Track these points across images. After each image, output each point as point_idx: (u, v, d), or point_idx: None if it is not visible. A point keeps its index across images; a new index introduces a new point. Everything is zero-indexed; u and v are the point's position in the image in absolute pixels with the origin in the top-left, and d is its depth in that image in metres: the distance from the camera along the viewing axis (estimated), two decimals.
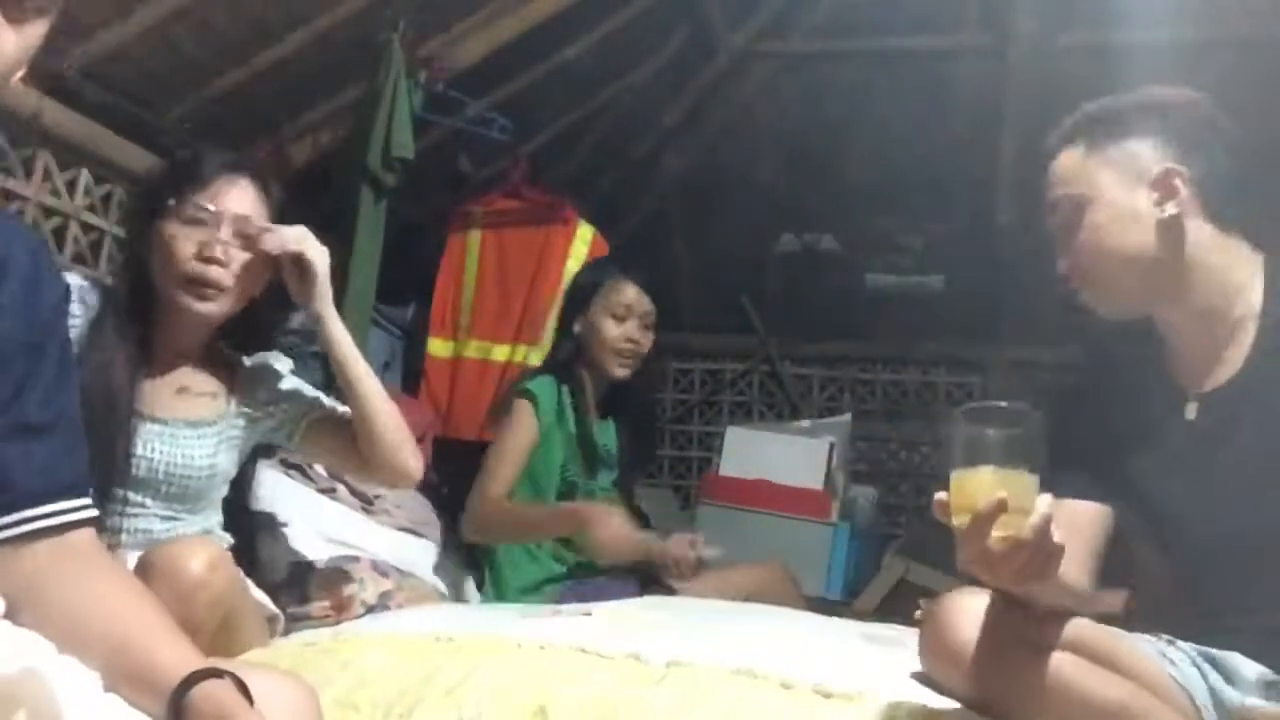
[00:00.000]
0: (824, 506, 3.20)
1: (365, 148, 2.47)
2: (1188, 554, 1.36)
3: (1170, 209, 1.33)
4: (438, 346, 3.11)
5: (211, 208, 1.55)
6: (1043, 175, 1.42)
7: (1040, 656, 1.20)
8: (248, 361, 1.69)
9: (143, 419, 1.54)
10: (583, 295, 2.39)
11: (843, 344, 3.90)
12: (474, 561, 2.36)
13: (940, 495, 1.10)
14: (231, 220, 1.56)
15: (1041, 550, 1.08)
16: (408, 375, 3.17)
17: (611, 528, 2.12)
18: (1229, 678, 1.29)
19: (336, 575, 1.98)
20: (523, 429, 2.25)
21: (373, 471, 1.66)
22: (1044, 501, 1.07)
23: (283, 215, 1.64)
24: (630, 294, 2.36)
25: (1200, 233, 1.34)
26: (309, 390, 1.71)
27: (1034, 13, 3.28)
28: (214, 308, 1.56)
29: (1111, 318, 1.41)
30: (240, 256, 1.56)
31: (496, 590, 2.24)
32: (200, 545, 1.36)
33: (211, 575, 1.30)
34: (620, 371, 2.35)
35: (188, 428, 1.58)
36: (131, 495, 1.52)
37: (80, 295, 1.51)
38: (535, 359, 2.82)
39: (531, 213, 3.14)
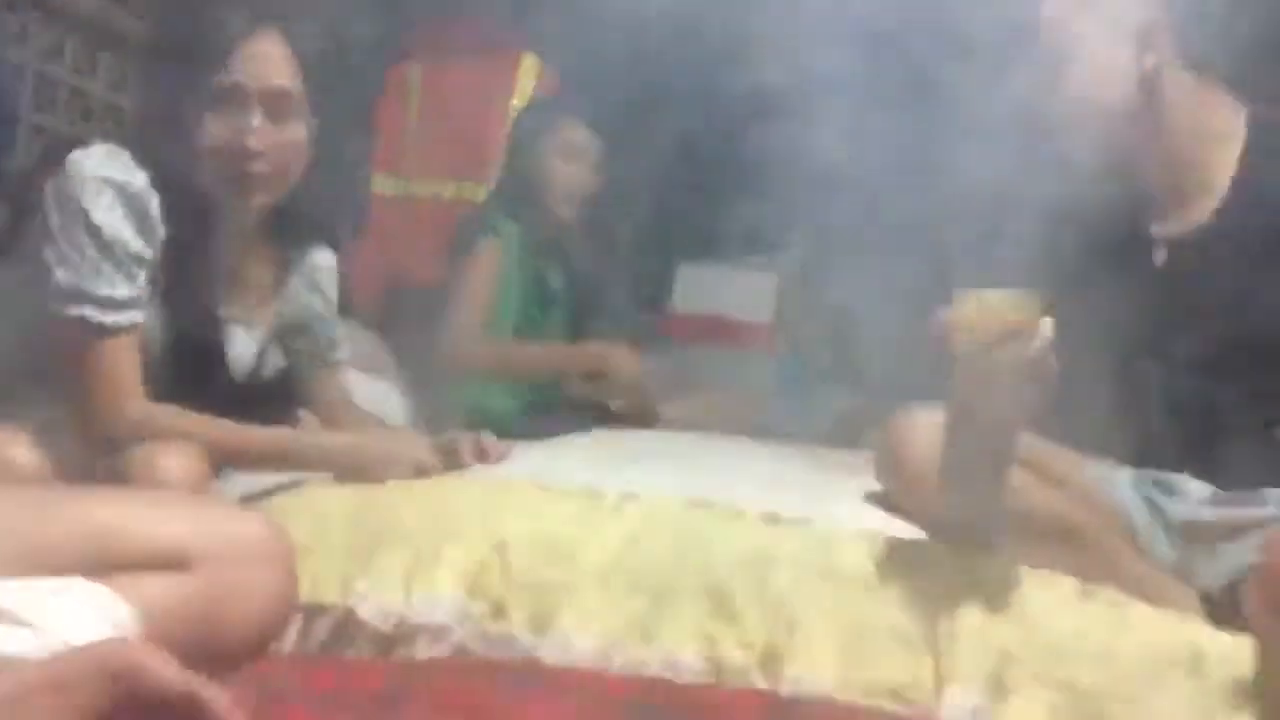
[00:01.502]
0: (773, 339, 3.24)
1: None
2: (1140, 389, 1.39)
3: (1149, 61, 1.31)
4: (383, 183, 3.03)
5: (239, 80, 1.34)
6: None
7: (993, 469, 1.21)
8: (295, 256, 1.57)
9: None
10: (530, 135, 2.36)
11: None
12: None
13: (943, 316, 1.08)
14: (262, 97, 1.36)
15: (1042, 369, 1.08)
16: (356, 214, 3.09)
17: (631, 368, 2.27)
18: (1173, 494, 1.34)
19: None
20: (493, 265, 2.27)
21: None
22: (1046, 323, 1.06)
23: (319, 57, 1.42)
24: (579, 135, 2.32)
25: (1179, 84, 1.33)
26: (334, 337, 1.65)
27: None
28: (259, 199, 1.41)
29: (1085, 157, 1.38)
30: (280, 137, 1.37)
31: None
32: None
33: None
34: (566, 213, 2.34)
35: (241, 326, 1.51)
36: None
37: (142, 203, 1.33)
38: (481, 196, 2.77)
39: (474, 43, 3.02)
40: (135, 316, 1.35)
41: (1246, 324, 1.28)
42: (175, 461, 1.26)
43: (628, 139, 2.46)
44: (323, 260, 1.63)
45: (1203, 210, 1.34)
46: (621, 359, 2.30)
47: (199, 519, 0.98)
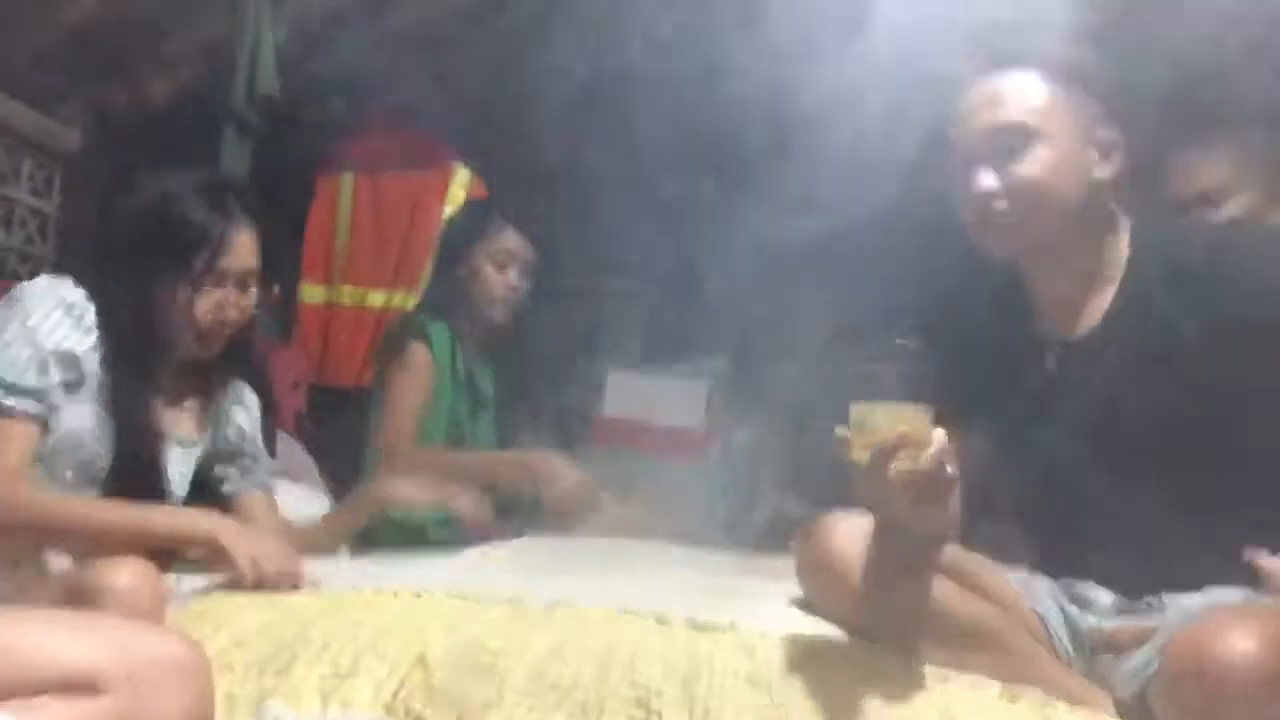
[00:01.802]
0: (704, 446, 3.26)
1: (228, 85, 2.38)
2: (1038, 495, 1.42)
3: (1104, 172, 1.36)
4: (311, 292, 3.03)
5: (224, 267, 1.57)
6: (980, 77, 1.37)
7: (914, 578, 1.25)
8: (228, 388, 1.73)
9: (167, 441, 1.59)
10: (464, 240, 2.40)
11: None
12: None
13: (840, 431, 1.13)
14: (237, 275, 1.59)
15: (937, 480, 1.11)
16: (282, 321, 3.09)
17: (565, 477, 2.20)
18: (1084, 605, 1.37)
19: None
20: (423, 371, 2.27)
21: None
22: (939, 434, 1.10)
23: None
24: (512, 241, 2.37)
25: (1104, 197, 1.38)
26: (261, 460, 1.75)
27: None
28: (218, 348, 1.63)
29: (1002, 252, 1.41)
30: (244, 302, 1.62)
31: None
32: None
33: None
34: (501, 317, 2.37)
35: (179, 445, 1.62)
36: None
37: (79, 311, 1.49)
38: (412, 305, 2.78)
39: (406, 154, 3.07)
40: (32, 407, 1.44)
41: (1133, 431, 1.31)
42: (127, 579, 1.24)
43: (558, 245, 2.51)
44: (249, 394, 1.77)
45: (1092, 315, 1.38)
46: (557, 468, 2.25)
47: (113, 640, 0.95)
